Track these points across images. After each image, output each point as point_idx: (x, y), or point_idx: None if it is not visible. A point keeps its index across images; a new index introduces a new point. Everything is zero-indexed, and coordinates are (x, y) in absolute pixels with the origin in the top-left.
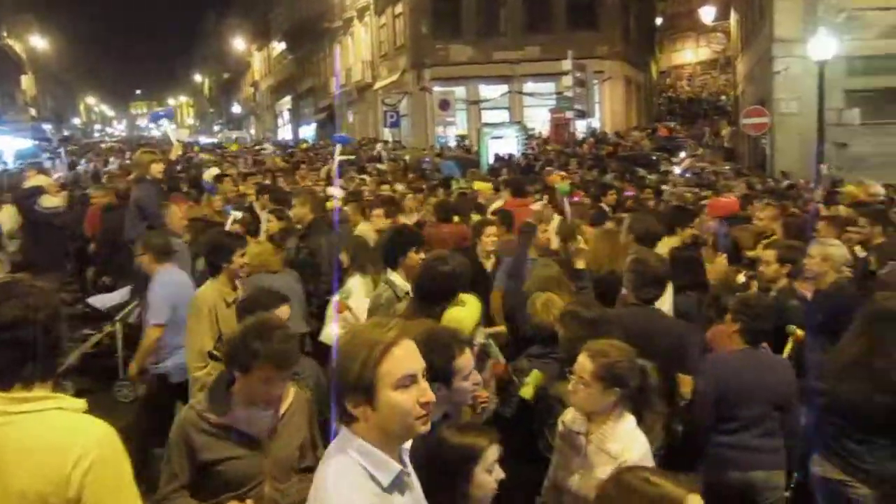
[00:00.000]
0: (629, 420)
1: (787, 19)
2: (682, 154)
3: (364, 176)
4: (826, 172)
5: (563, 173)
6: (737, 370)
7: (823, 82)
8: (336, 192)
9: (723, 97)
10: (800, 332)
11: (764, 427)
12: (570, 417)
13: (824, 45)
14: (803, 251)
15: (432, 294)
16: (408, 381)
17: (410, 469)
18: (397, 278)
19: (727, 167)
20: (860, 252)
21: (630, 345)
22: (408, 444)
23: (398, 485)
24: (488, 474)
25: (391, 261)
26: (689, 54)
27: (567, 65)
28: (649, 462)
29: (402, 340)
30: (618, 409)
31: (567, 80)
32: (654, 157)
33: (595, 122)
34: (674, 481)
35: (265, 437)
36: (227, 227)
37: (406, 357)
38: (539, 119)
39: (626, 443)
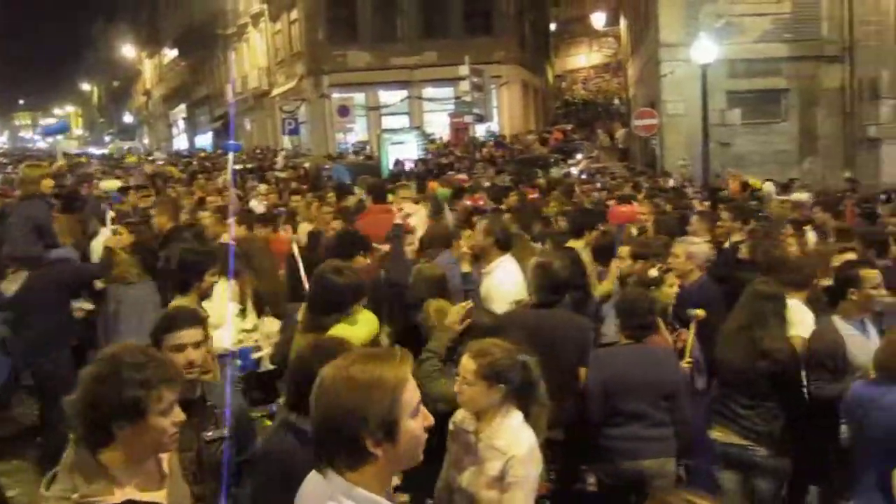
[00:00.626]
0: (516, 416)
1: (672, 25)
2: (579, 156)
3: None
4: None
5: (463, 176)
6: (621, 365)
7: (706, 84)
8: (255, 205)
9: (616, 100)
10: (700, 313)
11: (652, 418)
12: (460, 417)
13: (706, 50)
14: (659, 247)
15: (322, 305)
16: (418, 408)
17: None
18: None
19: (621, 167)
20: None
21: (536, 342)
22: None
23: None
24: None
25: None
26: (583, 59)
27: (464, 70)
28: (537, 455)
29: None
30: (504, 406)
31: (465, 85)
32: (552, 160)
33: (494, 126)
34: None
35: None
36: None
37: (414, 386)
38: (439, 124)
39: (514, 438)
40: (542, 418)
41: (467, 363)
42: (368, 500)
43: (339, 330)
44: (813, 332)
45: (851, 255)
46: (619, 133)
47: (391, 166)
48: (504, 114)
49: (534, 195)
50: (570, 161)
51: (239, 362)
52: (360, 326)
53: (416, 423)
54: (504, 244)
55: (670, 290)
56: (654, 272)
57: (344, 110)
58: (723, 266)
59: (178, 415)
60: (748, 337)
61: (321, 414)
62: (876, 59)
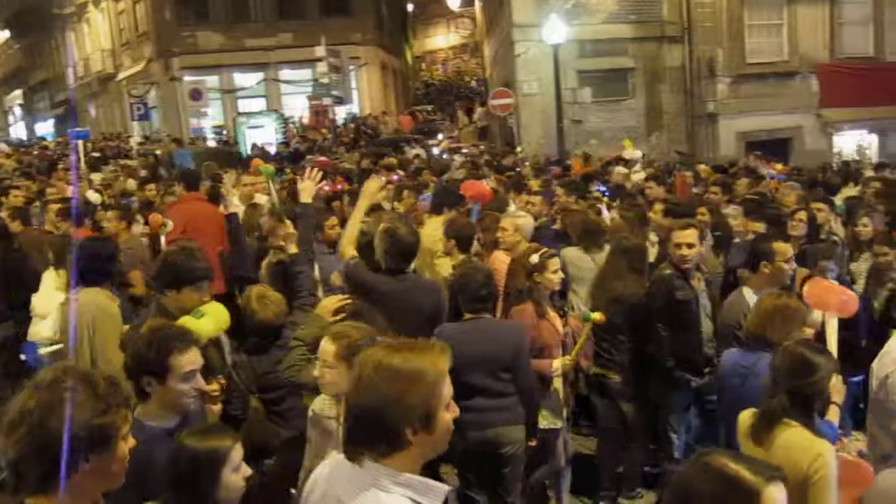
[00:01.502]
0: None
1: (524, 5)
2: (440, 136)
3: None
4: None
5: (323, 158)
6: (461, 341)
7: (558, 64)
8: (92, 196)
9: (474, 80)
10: (597, 316)
11: (493, 390)
12: (319, 404)
13: (557, 30)
14: (490, 221)
15: (163, 281)
16: (449, 399)
17: None
18: None
19: (482, 147)
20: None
21: (396, 310)
22: None
23: None
24: (235, 474)
25: None
26: (441, 40)
27: (321, 51)
28: None
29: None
30: None
31: (322, 67)
32: (412, 141)
33: (354, 108)
34: (753, 467)
35: None
36: None
37: (447, 377)
38: (298, 106)
39: None
40: None
41: (327, 346)
42: (420, 483)
43: (185, 321)
44: (724, 303)
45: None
46: (478, 113)
47: (249, 150)
48: (364, 95)
49: (397, 177)
50: (430, 142)
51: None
52: (208, 319)
53: (449, 415)
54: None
55: (554, 277)
56: (535, 258)
57: (196, 94)
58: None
59: (131, 441)
60: (610, 285)
61: (362, 403)
62: (712, 40)
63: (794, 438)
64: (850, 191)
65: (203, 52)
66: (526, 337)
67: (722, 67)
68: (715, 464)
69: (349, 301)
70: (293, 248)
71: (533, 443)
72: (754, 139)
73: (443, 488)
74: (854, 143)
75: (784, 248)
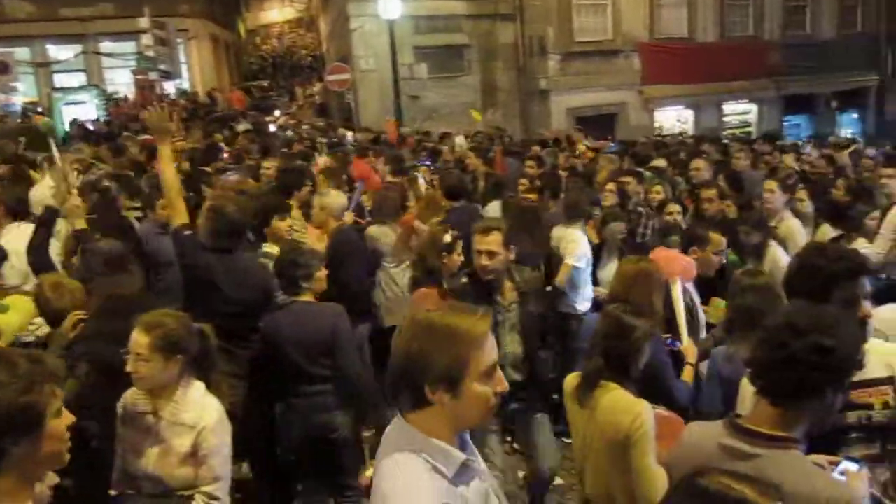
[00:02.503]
0: (198, 386)
1: None
2: (277, 112)
3: None
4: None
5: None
6: (278, 326)
7: (394, 40)
8: None
9: (311, 55)
10: None
11: (317, 374)
12: (131, 399)
13: (392, 5)
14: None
15: None
16: (491, 371)
17: (475, 454)
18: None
19: (320, 123)
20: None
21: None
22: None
23: (464, 474)
24: None
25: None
26: (276, 13)
27: (144, 23)
28: (226, 423)
29: (489, 330)
30: (184, 378)
31: (147, 39)
32: (246, 116)
33: (185, 83)
34: (756, 488)
35: None
36: None
37: (492, 347)
38: (123, 81)
39: (200, 410)
40: (224, 384)
41: (139, 338)
42: (438, 448)
43: None
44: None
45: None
46: (316, 88)
47: (67, 128)
48: (194, 70)
49: (227, 154)
50: (267, 118)
51: None
52: (13, 314)
53: (484, 386)
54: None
55: (458, 259)
56: (448, 237)
57: (4, 67)
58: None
59: (68, 417)
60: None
61: (395, 354)
62: (542, 18)
63: (615, 400)
64: (659, 162)
65: (10, 21)
66: (343, 320)
67: (552, 45)
68: (713, 484)
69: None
70: (80, 223)
71: (368, 431)
72: (583, 115)
73: (460, 456)
74: (673, 118)
75: (719, 240)
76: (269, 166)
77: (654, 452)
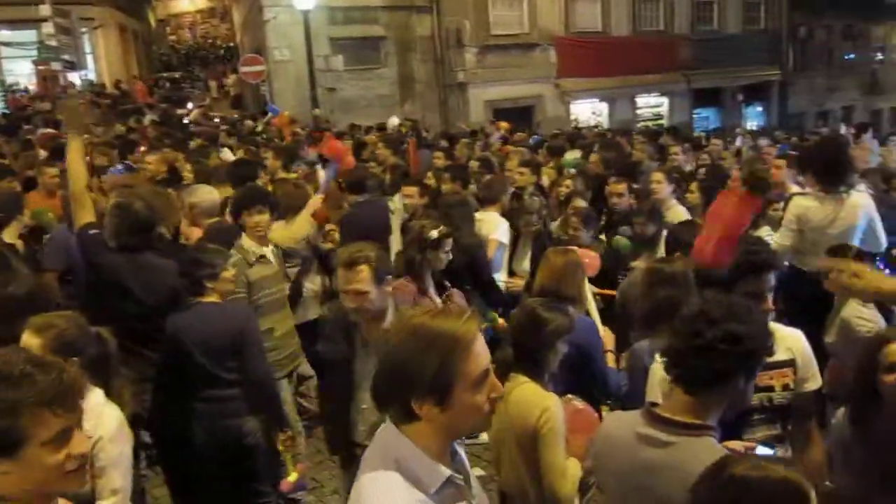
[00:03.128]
0: (96, 393)
1: None
2: (190, 105)
3: None
4: (318, 114)
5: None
6: (183, 327)
7: (309, 31)
8: None
9: (225, 46)
10: None
11: (223, 378)
12: None
13: None
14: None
15: None
16: (483, 378)
17: (465, 466)
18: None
19: (235, 115)
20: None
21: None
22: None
23: (445, 489)
24: None
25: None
26: (187, 3)
27: (45, 10)
28: (127, 431)
29: (478, 333)
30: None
31: (49, 28)
32: (148, 107)
33: (91, 75)
34: (784, 465)
35: None
36: None
37: (483, 352)
38: (23, 72)
39: (97, 419)
40: (126, 391)
41: (30, 340)
42: (410, 454)
43: None
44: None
45: None
46: (231, 80)
47: None
48: (101, 61)
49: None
50: (179, 110)
51: None
52: None
53: (477, 395)
54: None
55: (444, 257)
56: (434, 233)
57: None
58: None
59: (78, 444)
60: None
61: (381, 363)
62: (458, 11)
63: (524, 394)
64: (574, 154)
65: None
66: (252, 321)
67: (469, 38)
68: (753, 474)
69: None
70: None
71: (284, 435)
72: (501, 107)
73: (445, 473)
74: (588, 110)
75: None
76: (151, 161)
77: (563, 447)
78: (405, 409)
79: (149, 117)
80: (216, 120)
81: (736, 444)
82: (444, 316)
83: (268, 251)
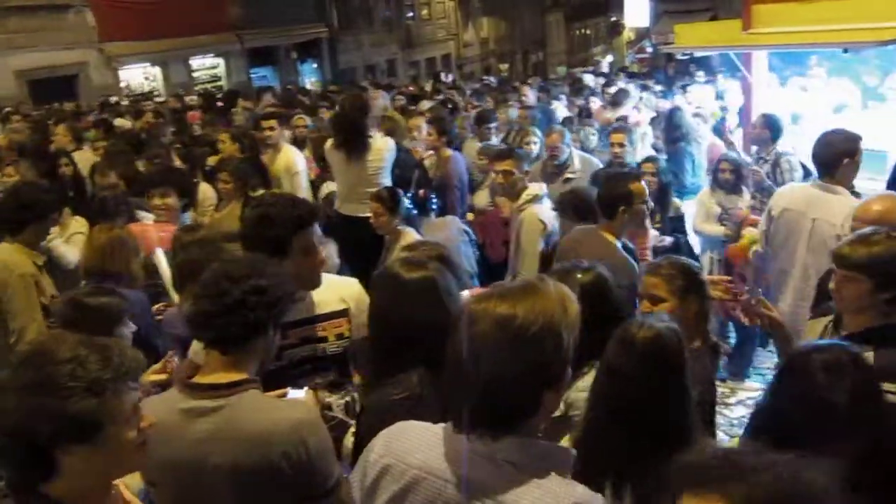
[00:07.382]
0: None
1: None
2: None
3: None
4: None
5: None
6: None
7: None
8: None
9: None
10: None
11: None
12: None
13: None
14: None
15: None
16: (134, 416)
17: None
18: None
19: None
20: None
21: None
22: None
23: None
24: None
25: None
26: None
27: None
28: None
29: None
30: None
31: None
32: None
33: None
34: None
35: None
36: None
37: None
38: None
39: None
40: None
41: None
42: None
43: None
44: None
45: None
46: None
47: None
48: None
49: None
50: None
51: None
52: None
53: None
54: None
55: None
56: None
57: None
58: None
59: (146, 418)
60: None
61: (482, 364)
62: None
63: None
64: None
65: None
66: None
67: None
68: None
69: None
70: None
71: None
72: (37, 77)
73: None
74: (140, 76)
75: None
76: None
77: None
78: (535, 402)
79: None
80: None
81: (270, 395)
82: (556, 301)
83: None
